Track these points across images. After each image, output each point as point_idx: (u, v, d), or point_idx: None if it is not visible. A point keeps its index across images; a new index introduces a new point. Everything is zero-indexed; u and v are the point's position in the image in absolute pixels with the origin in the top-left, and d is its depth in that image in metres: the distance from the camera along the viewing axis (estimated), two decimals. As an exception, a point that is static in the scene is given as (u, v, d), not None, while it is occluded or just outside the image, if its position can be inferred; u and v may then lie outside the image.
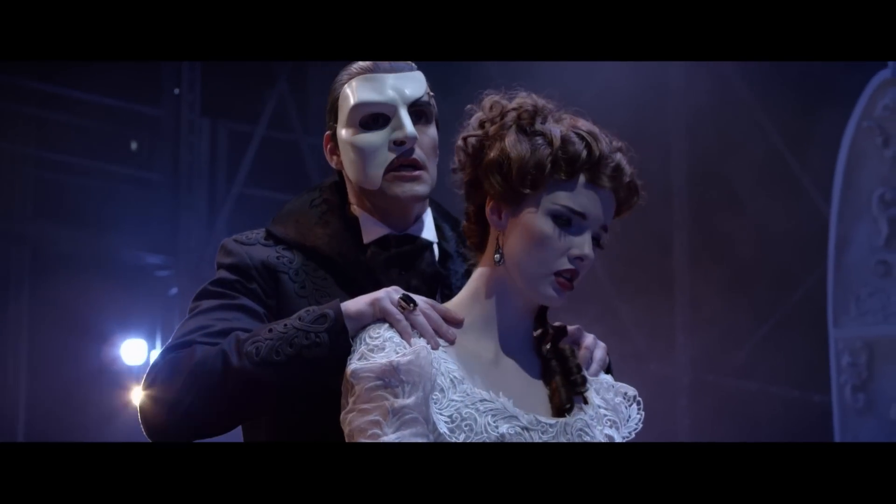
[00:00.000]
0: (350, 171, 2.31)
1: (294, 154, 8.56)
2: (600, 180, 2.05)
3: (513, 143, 2.05)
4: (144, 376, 2.18)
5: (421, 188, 2.28)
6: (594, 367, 2.18)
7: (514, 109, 2.09)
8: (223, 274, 2.24)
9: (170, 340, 2.19)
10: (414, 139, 2.28)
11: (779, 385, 7.78)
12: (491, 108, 2.11)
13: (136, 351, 8.48)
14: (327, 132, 2.37)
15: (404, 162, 2.27)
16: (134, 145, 8.71)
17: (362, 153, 2.28)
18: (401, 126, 2.27)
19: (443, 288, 2.28)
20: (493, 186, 2.07)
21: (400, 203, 2.29)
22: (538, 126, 2.06)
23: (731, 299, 7.65)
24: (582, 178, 2.05)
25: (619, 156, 2.07)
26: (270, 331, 2.08)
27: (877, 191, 6.67)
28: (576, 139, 2.05)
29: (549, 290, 2.05)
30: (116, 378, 8.39)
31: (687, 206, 7.94)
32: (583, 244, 2.04)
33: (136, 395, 8.21)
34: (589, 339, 2.22)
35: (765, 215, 7.45)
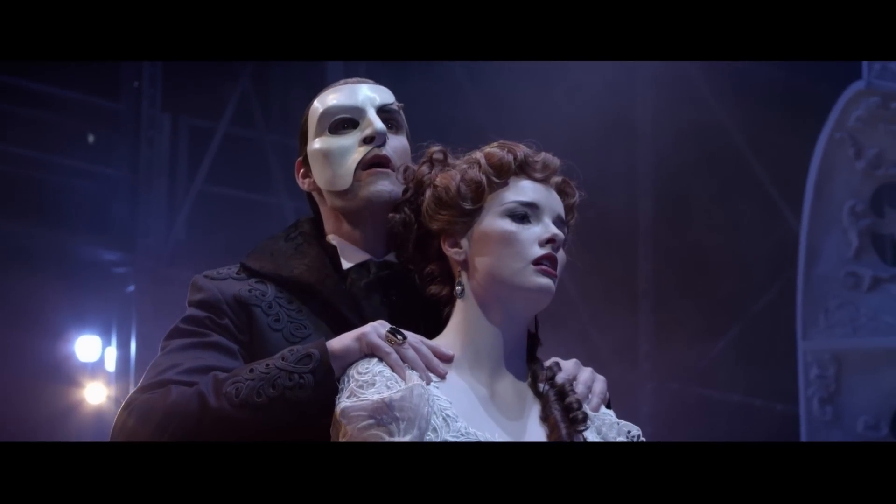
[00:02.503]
0: (321, 179, 2.26)
1: (256, 151, 8.44)
2: (534, 175, 2.11)
3: (441, 179, 2.13)
4: (116, 417, 2.09)
5: (393, 187, 2.23)
6: (594, 401, 2.12)
7: (424, 162, 2.18)
8: (193, 311, 2.18)
9: (141, 381, 2.11)
10: (384, 135, 2.24)
11: (742, 394, 7.78)
12: (405, 173, 2.20)
13: (90, 348, 8.35)
14: (298, 158, 2.32)
15: (375, 159, 2.24)
16: (91, 138, 8.54)
17: (332, 155, 2.24)
18: (370, 124, 2.25)
19: (426, 317, 2.19)
20: (441, 222, 2.11)
21: (372, 205, 2.23)
22: (455, 160, 2.16)
23: (695, 307, 7.64)
24: (518, 178, 2.11)
25: (543, 153, 2.14)
26: (251, 371, 2.01)
27: (847, 202, 6.68)
28: (497, 150, 2.13)
29: (534, 278, 2.04)
30: (70, 375, 8.26)
31: (652, 213, 7.93)
32: (547, 228, 2.07)
33: (91, 393, 8.23)
34: (586, 372, 2.15)
35: (731, 224, 7.44)
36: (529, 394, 2.08)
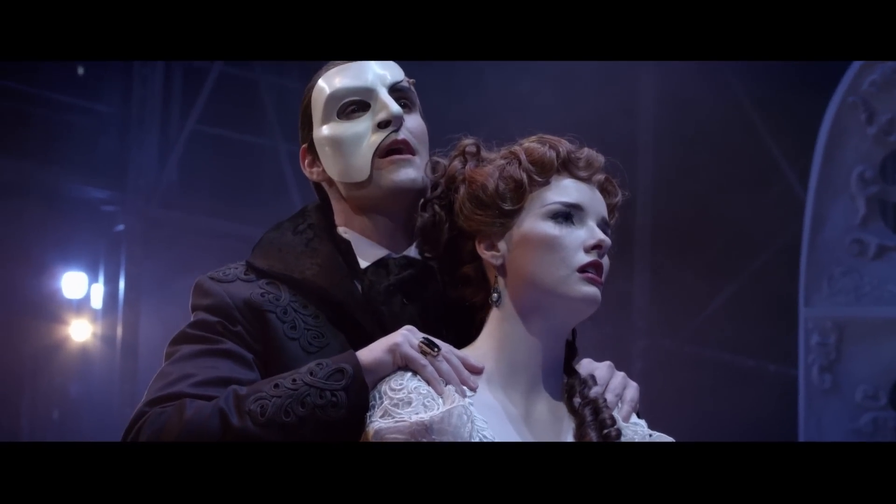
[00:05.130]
0: (333, 170, 2.06)
1: (252, 92, 8.27)
2: (578, 173, 1.96)
3: (477, 175, 1.96)
4: (125, 430, 1.91)
5: (417, 173, 2.04)
6: (625, 409, 1.98)
7: (457, 155, 2.01)
8: (202, 315, 1.98)
9: (149, 390, 1.93)
10: (400, 118, 2.05)
11: (735, 353, 7.73)
12: (434, 168, 2.03)
13: (76, 284, 8.23)
14: (303, 145, 2.13)
15: (393, 145, 2.04)
16: (81, 70, 8.35)
17: (345, 143, 2.05)
18: (384, 106, 2.05)
19: (448, 321, 2.03)
20: (477, 223, 1.95)
21: (394, 195, 2.04)
22: (492, 155, 2.01)
23: (690, 266, 7.57)
24: (561, 176, 1.96)
25: (586, 149, 1.99)
26: (276, 387, 1.84)
27: (856, 168, 6.57)
28: (538, 145, 1.97)
29: (580, 287, 1.89)
30: (55, 312, 8.16)
31: (651, 170, 7.82)
32: (593, 232, 1.92)
33: (76, 330, 8.14)
34: (618, 378, 2.01)
35: (731, 183, 7.35)
36: (566, 413, 1.94)
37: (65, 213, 8.00)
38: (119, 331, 8.13)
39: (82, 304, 8.29)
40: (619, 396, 1.99)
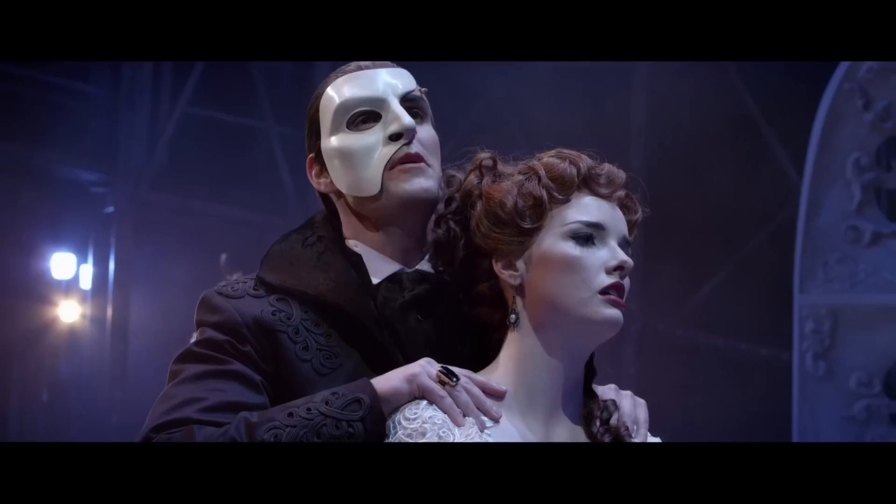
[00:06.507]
0: (343, 183, 1.98)
1: (243, 75, 8.21)
2: (599, 190, 1.90)
3: (495, 192, 1.89)
4: None
5: (430, 183, 1.96)
6: (641, 432, 1.93)
7: (473, 169, 1.94)
8: (210, 333, 1.89)
9: (153, 412, 1.85)
10: (413, 130, 1.96)
11: (727, 337, 7.73)
12: (449, 182, 1.96)
13: (65, 265, 8.19)
14: (310, 155, 2.04)
15: (406, 159, 1.96)
16: (69, 50, 8.27)
17: (355, 156, 1.97)
18: (396, 118, 1.97)
19: (464, 336, 1.96)
20: (495, 242, 1.88)
21: (407, 206, 1.96)
22: (509, 169, 1.93)
23: (683, 249, 7.55)
24: (581, 194, 1.90)
25: (607, 165, 1.92)
26: (290, 416, 1.78)
27: (852, 155, 6.53)
28: (557, 161, 1.91)
29: (602, 309, 1.83)
30: (44, 293, 8.12)
31: (644, 153, 7.79)
32: (615, 253, 1.86)
33: (65, 310, 8.10)
34: (627, 400, 1.96)
35: (724, 166, 7.33)
36: (584, 438, 1.88)
37: (54, 194, 7.95)
38: (109, 312, 8.10)
39: (71, 284, 8.25)
40: (634, 420, 1.95)
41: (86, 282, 8.28)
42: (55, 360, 8.26)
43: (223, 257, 7.22)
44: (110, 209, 8.07)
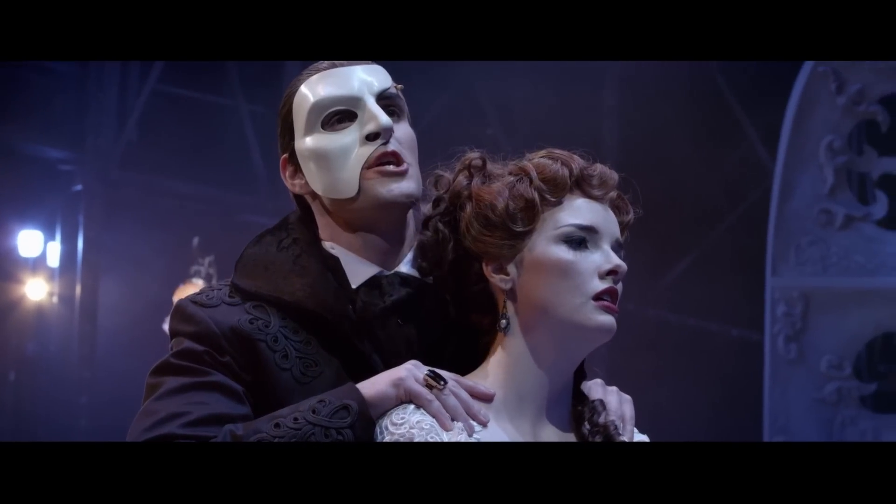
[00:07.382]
0: (319, 185, 1.93)
1: (213, 51, 8.13)
2: (591, 192, 1.86)
3: (485, 193, 1.85)
4: None
5: (410, 186, 1.90)
6: (629, 430, 1.91)
7: (462, 169, 1.90)
8: (188, 344, 1.84)
9: (134, 428, 1.80)
10: (390, 130, 1.91)
11: (697, 317, 7.75)
12: (437, 183, 1.92)
13: (32, 242, 8.12)
14: (283, 155, 1.98)
15: (383, 158, 1.91)
16: (36, 25, 8.17)
17: (330, 156, 1.91)
18: (373, 117, 1.91)
19: (446, 341, 1.93)
20: (485, 245, 1.84)
21: (387, 210, 1.91)
22: (498, 169, 1.89)
23: (655, 229, 7.55)
24: (573, 195, 1.86)
25: (599, 165, 1.88)
26: (277, 426, 1.73)
27: (825, 138, 6.54)
28: (549, 161, 1.87)
29: (595, 315, 1.79)
30: (11, 270, 8.04)
31: (617, 134, 7.78)
32: (609, 257, 1.81)
33: (32, 289, 8.03)
34: (613, 396, 1.93)
35: (695, 147, 7.33)
36: (572, 435, 1.86)
37: (21, 171, 7.85)
38: (77, 290, 8.03)
39: (38, 262, 8.17)
40: (622, 418, 1.92)
41: (53, 260, 8.20)
42: (22, 339, 8.18)
43: (195, 241, 7.16)
44: (79, 187, 7.99)
